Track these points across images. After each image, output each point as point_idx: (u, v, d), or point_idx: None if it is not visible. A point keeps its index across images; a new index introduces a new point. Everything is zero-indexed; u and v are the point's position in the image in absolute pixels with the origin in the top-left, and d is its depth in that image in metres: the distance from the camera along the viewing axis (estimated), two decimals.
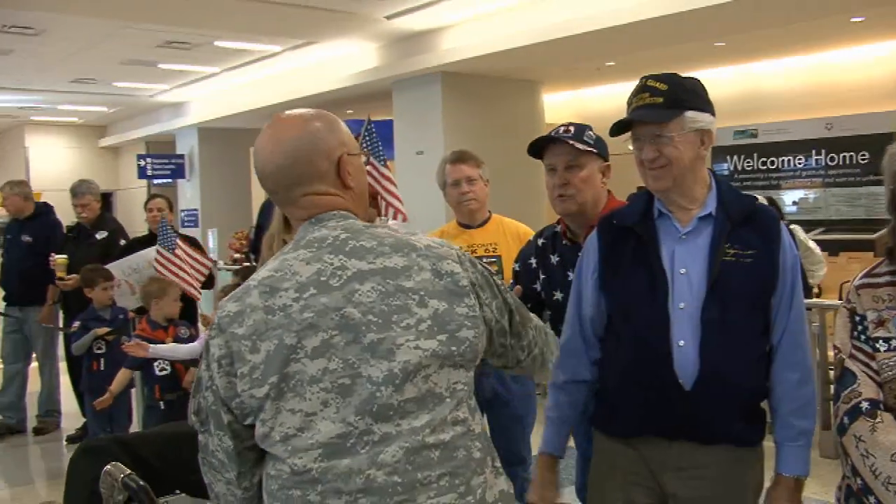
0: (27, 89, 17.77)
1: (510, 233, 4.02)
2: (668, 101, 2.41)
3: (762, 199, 7.87)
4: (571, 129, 2.99)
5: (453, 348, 1.78)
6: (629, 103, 2.48)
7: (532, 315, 2.15)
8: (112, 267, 6.36)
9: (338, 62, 13.43)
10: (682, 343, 2.36)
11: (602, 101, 15.03)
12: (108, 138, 24.83)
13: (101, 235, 7.09)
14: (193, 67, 15.49)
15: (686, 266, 2.40)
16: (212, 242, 15.14)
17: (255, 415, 1.76)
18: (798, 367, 2.45)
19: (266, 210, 6.62)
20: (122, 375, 5.29)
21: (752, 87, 12.41)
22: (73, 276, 6.61)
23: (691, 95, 2.46)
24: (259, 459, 1.87)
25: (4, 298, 7.68)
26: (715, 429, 2.40)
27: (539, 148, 3.02)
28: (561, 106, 15.21)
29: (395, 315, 1.75)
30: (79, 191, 7.17)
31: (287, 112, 1.98)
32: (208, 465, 1.91)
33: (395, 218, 7.42)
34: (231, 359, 1.76)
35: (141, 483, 2.17)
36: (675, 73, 2.50)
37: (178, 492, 2.38)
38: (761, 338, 2.44)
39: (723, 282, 2.36)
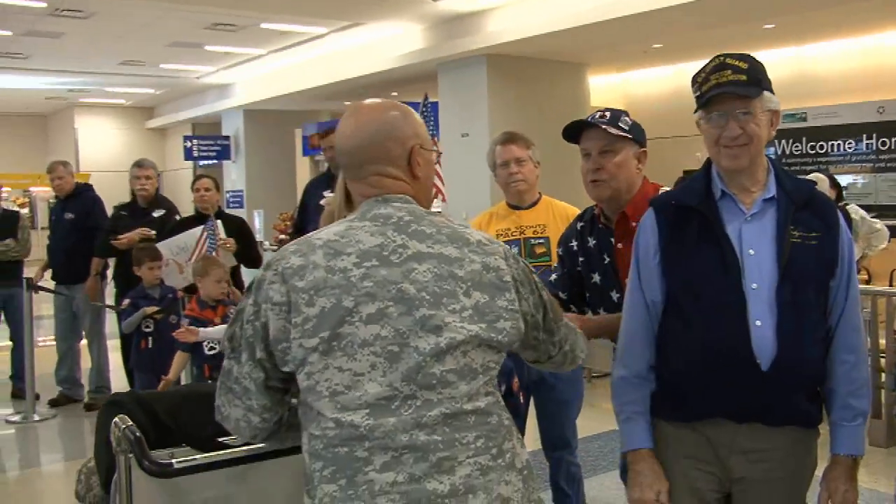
0: (77, 72, 18.04)
1: (559, 214, 4.00)
2: (751, 78, 2.41)
3: (823, 178, 7.83)
4: (607, 114, 2.98)
5: (492, 335, 1.93)
6: (702, 81, 2.43)
7: (563, 313, 2.28)
8: (160, 246, 6.41)
9: (383, 44, 13.45)
10: (758, 323, 2.33)
11: (648, 84, 14.93)
12: (155, 120, 25.13)
13: (158, 213, 7.14)
14: (239, 49, 15.60)
15: (754, 247, 2.39)
16: (257, 223, 15.27)
17: (298, 365, 1.88)
18: (854, 350, 2.46)
19: (310, 191, 6.63)
20: (179, 359, 5.28)
21: (801, 69, 12.26)
22: (127, 235, 6.71)
23: (765, 76, 2.45)
24: (282, 400, 2.03)
25: (53, 277, 7.84)
26: (787, 410, 2.40)
27: (575, 132, 3.01)
28: (607, 89, 15.12)
29: (445, 298, 1.89)
30: (145, 163, 7.26)
31: (368, 101, 2.13)
32: (226, 390, 2.03)
33: (435, 197, 7.44)
34: (289, 307, 1.88)
35: (137, 435, 2.32)
36: (748, 54, 2.48)
37: (183, 445, 2.53)
38: (823, 320, 2.44)
39: (792, 263, 2.36)
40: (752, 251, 2.38)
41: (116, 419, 2.40)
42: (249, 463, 2.46)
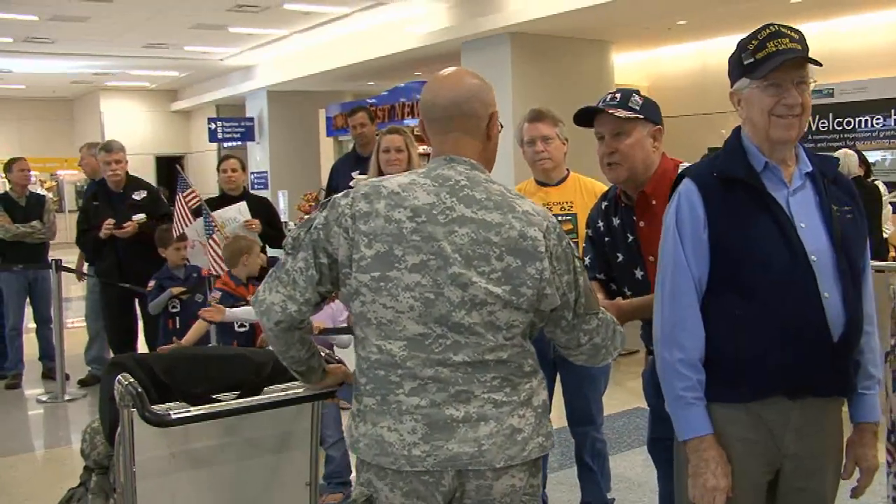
0: (102, 55, 18.10)
1: (588, 191, 4.01)
2: (804, 47, 2.39)
3: (853, 153, 7.76)
4: (618, 96, 2.99)
5: (513, 298, 2.17)
6: (756, 48, 2.37)
7: (602, 310, 2.41)
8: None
9: (406, 23, 13.41)
10: (827, 295, 2.31)
11: (673, 61, 14.79)
12: (180, 102, 25.20)
13: (139, 195, 7.05)
14: (263, 30, 15.61)
15: (804, 220, 2.37)
16: (282, 204, 15.32)
17: (353, 294, 2.21)
18: (872, 320, 2.48)
19: (338, 171, 6.65)
20: (198, 327, 5.27)
21: (828, 44, 12.10)
22: (131, 222, 6.71)
23: None
24: (319, 305, 2.31)
25: (87, 259, 7.88)
26: (842, 380, 2.41)
27: (589, 117, 3.02)
28: (631, 66, 15.00)
29: (476, 261, 2.15)
30: (113, 146, 7.07)
31: (452, 68, 2.41)
32: (273, 278, 2.29)
33: None
34: (354, 241, 2.19)
35: (139, 390, 2.59)
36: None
37: (179, 401, 2.79)
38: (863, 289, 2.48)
39: (842, 235, 2.37)
40: (803, 224, 2.36)
41: (119, 377, 2.65)
42: (238, 415, 2.78)
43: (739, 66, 2.41)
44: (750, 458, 2.40)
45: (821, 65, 2.36)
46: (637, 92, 3.02)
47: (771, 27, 2.39)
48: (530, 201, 2.27)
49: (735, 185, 2.40)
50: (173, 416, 2.60)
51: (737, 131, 2.50)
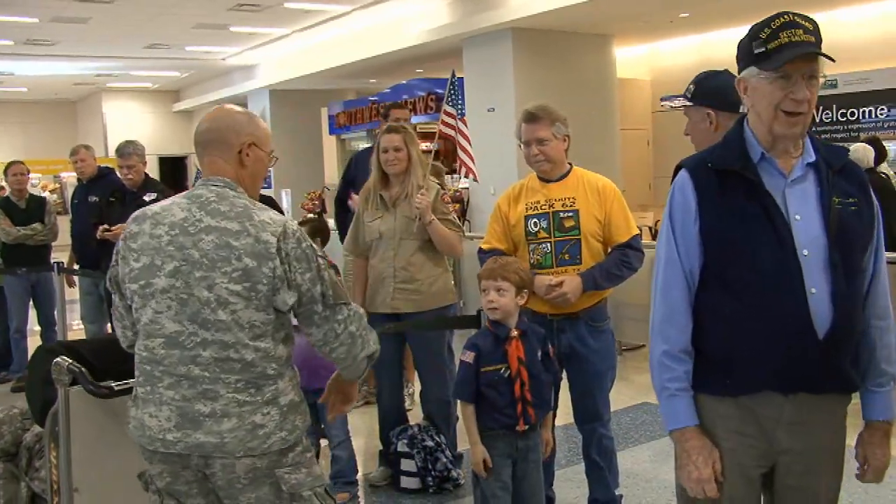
0: (103, 56, 18.12)
1: (590, 187, 3.96)
2: (818, 39, 2.30)
3: (869, 148, 7.61)
4: (691, 87, 3.04)
5: (252, 294, 2.50)
6: (768, 37, 2.28)
7: (352, 302, 2.73)
8: None
9: (407, 20, 13.39)
10: (814, 291, 2.27)
11: (675, 54, 14.74)
12: (182, 102, 25.21)
13: (150, 197, 6.72)
14: (264, 29, 15.60)
15: (799, 212, 2.32)
16: (285, 202, 15.32)
17: (131, 302, 2.60)
18: (885, 314, 2.42)
19: (355, 163, 6.54)
20: None
21: (832, 34, 11.97)
22: (120, 225, 6.64)
23: None
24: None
25: (79, 261, 7.84)
26: (835, 377, 2.36)
27: None
28: (633, 60, 14.95)
29: (219, 263, 2.50)
30: (125, 151, 6.95)
31: (228, 105, 2.80)
32: (115, 314, 2.76)
33: (466, 176, 7.44)
34: (125, 258, 2.60)
35: (82, 369, 3.05)
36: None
37: (108, 381, 3.14)
38: (864, 284, 2.41)
39: (839, 229, 2.31)
40: (798, 217, 2.31)
41: (58, 359, 3.08)
42: None
43: (749, 54, 2.33)
44: (744, 451, 2.37)
45: (833, 60, 2.28)
46: (705, 77, 3.03)
47: (785, 16, 2.29)
48: (272, 212, 2.61)
49: (729, 177, 2.35)
50: (116, 388, 3.05)
51: (741, 120, 2.45)
